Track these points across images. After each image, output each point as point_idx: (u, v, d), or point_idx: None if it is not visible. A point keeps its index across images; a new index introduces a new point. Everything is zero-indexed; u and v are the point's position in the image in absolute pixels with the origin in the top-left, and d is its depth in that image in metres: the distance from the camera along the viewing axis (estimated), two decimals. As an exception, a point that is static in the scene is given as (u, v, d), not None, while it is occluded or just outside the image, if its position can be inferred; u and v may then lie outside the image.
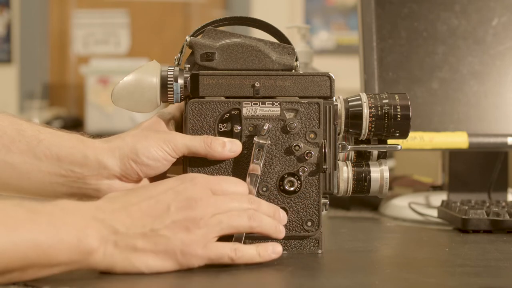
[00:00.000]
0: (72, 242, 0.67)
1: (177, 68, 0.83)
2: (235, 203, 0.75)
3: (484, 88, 1.20)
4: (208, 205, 0.73)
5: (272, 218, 0.78)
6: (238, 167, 0.82)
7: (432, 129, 1.17)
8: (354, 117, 0.84)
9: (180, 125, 0.85)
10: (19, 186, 0.81)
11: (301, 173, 0.82)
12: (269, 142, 0.82)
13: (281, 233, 0.79)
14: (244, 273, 0.74)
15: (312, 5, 3.80)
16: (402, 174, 1.57)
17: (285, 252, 0.83)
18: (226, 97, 0.82)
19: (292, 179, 0.82)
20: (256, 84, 0.82)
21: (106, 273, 0.71)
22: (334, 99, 0.83)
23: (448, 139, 1.16)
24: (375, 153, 0.86)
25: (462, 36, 1.21)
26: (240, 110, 0.82)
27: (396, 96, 0.85)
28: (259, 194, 0.81)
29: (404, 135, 0.85)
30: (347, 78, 1.96)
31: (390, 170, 0.89)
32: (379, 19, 1.20)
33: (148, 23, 3.84)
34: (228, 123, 0.82)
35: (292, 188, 0.82)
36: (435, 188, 1.34)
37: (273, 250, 0.77)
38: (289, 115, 0.82)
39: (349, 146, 0.85)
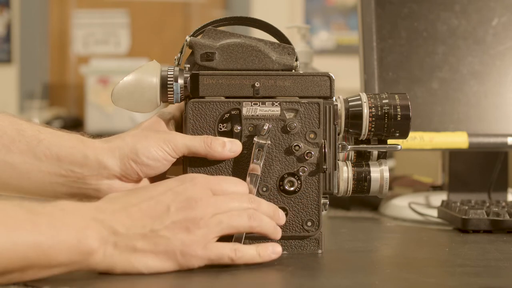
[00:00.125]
0: (72, 243, 0.67)
1: (177, 68, 0.83)
2: (235, 202, 0.75)
3: (484, 88, 1.20)
4: (208, 205, 0.73)
5: (271, 218, 0.78)
6: (238, 167, 0.82)
7: (432, 129, 1.17)
8: (354, 117, 0.84)
9: (180, 125, 0.85)
10: (19, 186, 0.81)
11: (301, 173, 0.82)
12: (269, 142, 0.82)
13: (279, 233, 0.79)
14: (244, 273, 0.74)
15: (312, 5, 3.80)
16: (402, 174, 1.57)
17: (285, 252, 0.83)
18: (226, 97, 0.82)
19: (292, 179, 0.82)
20: (256, 84, 0.82)
21: (105, 273, 0.71)
22: (334, 99, 0.83)
23: (448, 139, 1.16)
24: (375, 153, 0.86)
25: (462, 36, 1.21)
26: (240, 110, 0.82)
27: (396, 96, 0.85)
28: (259, 194, 0.81)
29: (404, 135, 0.85)
30: (347, 78, 1.96)
31: (390, 170, 0.89)
32: (379, 19, 1.20)
33: (148, 23, 3.84)
34: (228, 123, 0.82)
35: (292, 188, 0.82)
36: (435, 188, 1.34)
37: (273, 250, 0.77)
38: (289, 115, 0.82)
39: (349, 146, 0.85)
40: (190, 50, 0.84)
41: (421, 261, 0.84)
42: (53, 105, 3.71)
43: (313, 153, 0.82)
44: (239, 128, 0.82)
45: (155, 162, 0.79)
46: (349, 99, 0.85)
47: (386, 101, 0.84)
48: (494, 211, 1.01)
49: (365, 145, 0.86)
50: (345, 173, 0.84)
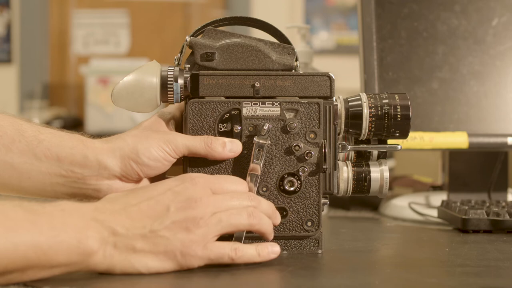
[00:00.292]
0: (72, 243, 0.67)
1: (177, 68, 0.83)
2: (234, 200, 0.75)
3: (484, 88, 1.20)
4: (208, 204, 0.73)
5: (270, 216, 0.78)
6: (238, 167, 0.82)
7: (432, 129, 1.17)
8: (354, 117, 0.84)
9: (180, 125, 0.85)
10: (19, 186, 0.81)
11: (301, 173, 0.82)
12: (269, 142, 0.82)
13: (272, 234, 0.79)
14: (244, 273, 0.74)
15: (312, 5, 3.80)
16: (402, 174, 1.57)
17: (285, 252, 0.83)
18: (226, 97, 0.82)
19: (292, 179, 0.82)
20: (256, 84, 0.82)
21: (105, 274, 0.71)
22: (334, 99, 0.83)
23: (448, 139, 1.16)
24: (375, 153, 0.86)
25: (462, 36, 1.21)
26: (240, 110, 0.82)
27: (396, 96, 0.85)
28: (259, 194, 0.81)
29: (404, 135, 0.85)
30: (347, 78, 1.96)
31: (390, 170, 0.89)
32: (379, 19, 1.20)
33: (148, 23, 3.84)
34: (228, 123, 0.82)
35: (292, 188, 0.82)
36: (435, 188, 1.34)
37: (272, 250, 0.77)
38: (289, 115, 0.82)
39: (349, 146, 0.85)
40: (190, 50, 0.84)
41: (421, 261, 0.84)
42: (53, 105, 3.71)
43: (313, 153, 0.82)
44: (239, 128, 0.82)
45: (156, 162, 0.79)
46: (349, 99, 0.85)
47: (386, 101, 0.84)
48: (494, 211, 1.01)
49: (365, 145, 0.86)
50: (345, 173, 0.84)
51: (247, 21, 0.88)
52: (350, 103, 0.84)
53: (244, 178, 0.80)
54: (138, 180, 0.81)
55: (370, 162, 0.85)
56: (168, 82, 0.82)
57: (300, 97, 0.83)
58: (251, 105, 0.82)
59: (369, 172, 0.84)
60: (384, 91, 0.95)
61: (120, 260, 0.70)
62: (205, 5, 3.86)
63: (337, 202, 1.30)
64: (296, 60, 0.85)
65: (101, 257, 0.69)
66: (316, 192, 0.83)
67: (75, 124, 3.43)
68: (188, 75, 0.83)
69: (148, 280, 0.70)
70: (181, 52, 0.84)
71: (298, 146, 0.82)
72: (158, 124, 0.84)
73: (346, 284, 0.72)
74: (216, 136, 0.82)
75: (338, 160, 0.84)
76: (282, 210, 0.82)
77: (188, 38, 0.84)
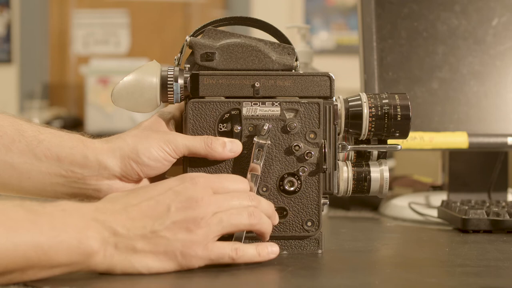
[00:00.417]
0: (73, 243, 0.67)
1: (177, 68, 0.83)
2: (235, 200, 0.75)
3: (484, 88, 1.20)
4: (209, 204, 0.73)
5: (269, 216, 0.78)
6: (238, 167, 0.82)
7: (432, 129, 1.17)
8: (354, 117, 0.84)
9: (180, 125, 0.85)
10: (19, 186, 0.81)
11: (301, 173, 0.82)
12: (269, 142, 0.82)
13: (269, 234, 0.79)
14: (244, 273, 0.74)
15: (312, 5, 3.80)
16: (402, 174, 1.57)
17: (285, 252, 0.83)
18: (226, 97, 0.82)
19: (292, 179, 0.82)
20: (256, 84, 0.82)
21: (105, 274, 0.71)
22: (334, 99, 0.84)
23: (448, 139, 1.16)
24: (375, 153, 0.86)
25: (462, 36, 1.21)
26: (240, 110, 0.82)
27: (396, 96, 0.85)
28: (259, 194, 0.81)
29: (404, 135, 0.85)
30: (347, 78, 1.96)
31: (390, 170, 0.89)
32: (379, 19, 1.20)
33: (148, 23, 3.84)
34: (228, 123, 0.82)
35: (292, 188, 0.82)
36: (435, 188, 1.34)
37: (272, 250, 0.77)
38: (289, 115, 0.82)
39: (349, 146, 0.85)
40: (190, 50, 0.84)
41: (421, 261, 0.84)
42: (53, 105, 3.71)
43: (313, 153, 0.82)
44: (239, 128, 0.82)
45: (156, 162, 0.79)
46: (349, 99, 0.85)
47: (386, 101, 0.84)
48: (494, 211, 1.01)
49: (365, 145, 0.86)
50: (345, 173, 0.84)
51: (247, 21, 0.88)
52: (350, 103, 0.84)
53: (244, 178, 0.80)
54: (138, 180, 0.81)
55: (370, 162, 0.85)
56: (168, 82, 0.82)
57: (300, 97, 0.83)
58: (251, 105, 0.82)
59: (369, 172, 0.84)
60: (384, 91, 0.95)
61: (120, 260, 0.70)
62: (205, 5, 3.86)
63: (337, 202, 1.30)
64: (296, 60, 0.85)
65: (102, 257, 0.69)
66: (316, 192, 0.83)
67: (75, 124, 3.43)
68: (188, 75, 0.83)
69: (148, 280, 0.70)
70: (181, 52, 0.84)
71: (298, 146, 0.82)
72: (158, 124, 0.84)
73: (346, 284, 0.72)
74: (216, 136, 0.82)
75: (338, 160, 0.84)
76: (282, 210, 0.82)
77: (188, 38, 0.84)
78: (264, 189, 0.82)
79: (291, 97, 0.83)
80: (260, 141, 0.81)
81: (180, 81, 0.82)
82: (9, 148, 0.79)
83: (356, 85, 1.21)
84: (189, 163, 0.82)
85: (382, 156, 0.86)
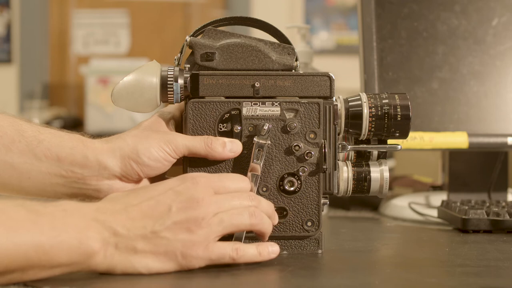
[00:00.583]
0: (73, 243, 0.67)
1: (177, 68, 0.83)
2: (235, 200, 0.75)
3: (484, 88, 1.20)
4: (210, 204, 0.73)
5: (269, 216, 0.78)
6: (238, 167, 0.82)
7: (432, 129, 1.17)
8: (354, 117, 0.84)
9: (180, 125, 0.85)
10: (20, 186, 0.81)
11: (301, 173, 0.82)
12: (269, 142, 0.82)
13: (269, 234, 0.79)
14: (244, 273, 0.74)
15: (312, 5, 3.80)
16: (402, 174, 1.57)
17: (285, 252, 0.83)
18: (226, 97, 0.82)
19: (292, 179, 0.82)
20: (256, 84, 0.82)
21: (106, 274, 0.71)
22: (334, 99, 0.84)
23: (448, 139, 1.16)
24: (375, 153, 0.86)
25: (462, 36, 1.21)
26: (240, 110, 0.82)
27: (396, 96, 0.85)
28: (259, 194, 0.81)
29: (404, 135, 0.85)
30: (347, 78, 1.96)
31: (390, 170, 0.89)
32: (379, 19, 1.20)
33: (148, 23, 3.84)
34: (228, 123, 0.82)
35: (292, 188, 0.82)
36: (435, 188, 1.34)
37: (272, 250, 0.77)
38: (289, 115, 0.82)
39: (349, 146, 0.85)
40: (190, 50, 0.84)
41: (421, 261, 0.84)
42: (53, 105, 3.71)
43: (313, 153, 0.82)
44: (239, 128, 0.82)
45: (156, 162, 0.79)
46: (349, 99, 0.85)
47: (386, 101, 0.84)
48: (494, 211, 1.02)
49: (365, 145, 0.86)
50: (345, 173, 0.84)
51: (247, 21, 0.88)
52: (350, 103, 0.84)
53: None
54: (138, 180, 0.81)
55: (370, 162, 0.85)
56: (168, 82, 0.82)
57: (300, 97, 0.83)
58: (251, 105, 0.82)
59: (369, 172, 0.84)
60: (384, 91, 0.95)
61: (120, 260, 0.70)
62: (205, 5, 3.86)
63: (337, 202, 1.30)
64: (296, 60, 0.85)
65: (102, 257, 0.69)
66: (316, 192, 0.83)
67: (75, 124, 3.43)
68: (188, 75, 0.83)
69: (148, 280, 0.70)
70: (181, 52, 0.84)
71: (298, 146, 0.82)
72: (158, 124, 0.83)
73: (346, 284, 0.72)
74: (216, 136, 0.82)
75: (338, 160, 0.84)
76: (282, 210, 0.82)
77: (188, 38, 0.84)
78: (264, 189, 0.82)
79: (291, 97, 0.83)
80: (260, 141, 0.81)
81: (180, 81, 0.82)
82: (9, 148, 0.79)
83: (356, 85, 1.21)
84: (189, 163, 0.82)
85: (382, 156, 0.86)
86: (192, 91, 0.82)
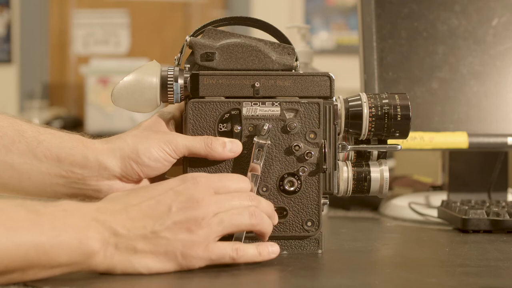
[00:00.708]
0: (73, 243, 0.67)
1: (177, 68, 0.83)
2: (235, 200, 0.75)
3: (484, 88, 1.20)
4: (210, 204, 0.73)
5: (269, 216, 0.78)
6: (238, 167, 0.82)
7: (432, 129, 1.17)
8: (354, 117, 0.84)
9: (180, 125, 0.85)
10: (20, 186, 0.81)
11: (301, 173, 0.82)
12: (269, 142, 0.82)
13: (269, 234, 0.79)
14: (244, 273, 0.74)
15: (312, 5, 3.80)
16: (402, 174, 1.57)
17: (285, 252, 0.83)
18: (226, 97, 0.82)
19: (292, 179, 0.82)
20: (256, 84, 0.82)
21: (106, 274, 0.71)
22: (334, 99, 0.84)
23: (448, 139, 1.16)
24: (375, 153, 0.86)
25: (462, 36, 1.21)
26: (240, 110, 0.82)
27: (396, 96, 0.85)
28: (259, 194, 0.81)
29: (404, 135, 0.85)
30: (347, 78, 1.96)
31: (390, 170, 0.89)
32: (379, 19, 1.20)
33: (148, 23, 3.84)
34: (228, 123, 0.82)
35: (292, 188, 0.82)
36: (435, 188, 1.34)
37: (272, 250, 0.77)
38: (289, 115, 0.82)
39: (349, 146, 0.85)
40: (190, 50, 0.84)
41: (421, 261, 0.84)
42: (53, 105, 3.71)
43: (313, 153, 0.82)
44: (239, 128, 0.82)
45: (156, 162, 0.79)
46: (349, 99, 0.85)
47: (386, 101, 0.84)
48: (494, 211, 1.02)
49: (365, 145, 0.86)
50: (345, 173, 0.84)
51: (247, 21, 0.88)
52: (350, 103, 0.84)
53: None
54: (138, 181, 0.81)
55: (370, 162, 0.85)
56: (168, 82, 0.82)
57: (300, 97, 0.83)
58: (251, 105, 0.82)
59: (369, 172, 0.84)
60: (384, 91, 0.95)
61: (120, 260, 0.70)
62: (205, 5, 3.86)
63: (337, 202, 1.30)
64: (296, 60, 0.85)
65: (102, 257, 0.69)
66: (316, 192, 0.83)
67: (75, 124, 3.43)
68: (188, 75, 0.83)
69: (148, 280, 0.70)
70: (181, 52, 0.84)
71: (298, 146, 0.82)
72: (158, 124, 0.83)
73: (346, 284, 0.72)
74: (216, 136, 0.82)
75: (338, 160, 0.84)
76: (282, 210, 0.82)
77: (188, 38, 0.84)
78: (264, 189, 0.82)
79: (291, 97, 0.83)
80: (260, 141, 0.81)
81: (180, 81, 0.82)
82: (9, 148, 0.79)
83: (356, 85, 1.21)
84: (189, 163, 0.82)
85: (382, 156, 0.86)
86: (192, 91, 0.82)
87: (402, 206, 1.19)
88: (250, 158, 0.81)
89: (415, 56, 1.20)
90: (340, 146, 0.84)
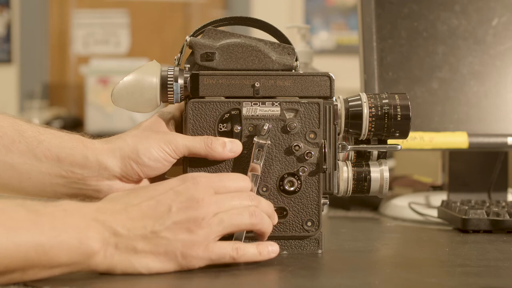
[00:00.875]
0: (73, 243, 0.67)
1: (177, 68, 0.83)
2: (235, 200, 0.75)
3: (484, 88, 1.20)
4: (210, 204, 0.73)
5: (269, 216, 0.78)
6: (238, 167, 0.82)
7: (432, 129, 1.17)
8: (354, 117, 0.84)
9: (180, 125, 0.85)
10: (20, 187, 0.81)
11: (301, 173, 0.82)
12: (269, 142, 0.82)
13: (269, 234, 0.79)
14: (244, 273, 0.74)
15: (312, 5, 3.80)
16: (402, 174, 1.57)
17: (285, 252, 0.83)
18: (226, 97, 0.82)
19: (292, 179, 0.82)
20: (256, 84, 0.82)
21: (106, 274, 0.71)
22: (334, 99, 0.84)
23: (448, 139, 1.16)
24: (375, 153, 0.86)
25: (462, 36, 1.21)
26: (240, 110, 0.82)
27: (396, 96, 0.85)
28: (259, 194, 0.81)
29: (404, 135, 0.85)
30: (347, 78, 1.96)
31: (390, 170, 0.89)
32: (379, 19, 1.20)
33: (148, 23, 3.84)
34: (228, 123, 0.82)
35: (292, 188, 0.82)
36: (435, 188, 1.34)
37: (272, 249, 0.77)
38: (289, 115, 0.82)
39: (349, 146, 0.85)
40: (190, 50, 0.84)
41: (421, 261, 0.84)
42: (53, 105, 3.71)
43: (313, 153, 0.82)
44: (239, 128, 0.82)
45: (156, 163, 0.79)
46: (349, 99, 0.85)
47: (386, 101, 0.84)
48: (494, 211, 1.02)
49: (365, 145, 0.86)
50: (345, 173, 0.84)
51: (247, 21, 0.88)
52: (350, 103, 0.84)
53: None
54: (138, 181, 0.81)
55: (370, 162, 0.85)
56: (168, 82, 0.82)
57: (300, 97, 0.83)
58: (251, 105, 0.82)
59: (369, 172, 0.84)
60: (384, 91, 0.95)
61: (120, 260, 0.70)
62: (205, 5, 3.86)
63: (337, 202, 1.30)
64: (296, 60, 0.85)
65: (102, 257, 0.69)
66: (316, 192, 0.83)
67: (75, 124, 3.43)
68: (188, 75, 0.83)
69: (148, 280, 0.70)
70: (181, 52, 0.84)
71: (298, 146, 0.82)
72: (158, 124, 0.84)
73: (346, 284, 0.72)
74: (216, 136, 0.82)
75: (338, 160, 0.84)
76: (282, 210, 0.82)
77: (188, 38, 0.84)
78: (264, 189, 0.82)
79: (291, 97, 0.83)
80: (260, 141, 0.81)
81: (180, 81, 0.82)
82: (9, 148, 0.79)
83: (356, 85, 1.21)
84: (189, 163, 0.82)
85: (382, 156, 0.86)
86: (192, 91, 0.82)
87: (402, 206, 1.19)
88: (250, 158, 0.81)
89: (415, 56, 1.20)
90: (340, 146, 0.84)
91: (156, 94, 0.82)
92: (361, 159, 0.86)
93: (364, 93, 0.85)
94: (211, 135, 0.82)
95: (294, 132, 0.82)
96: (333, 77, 0.83)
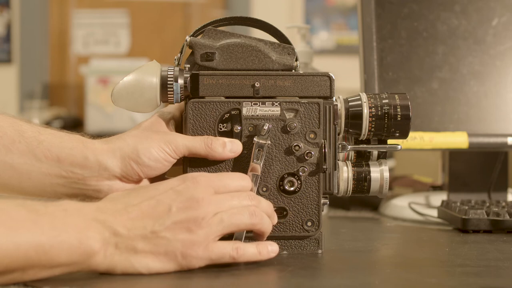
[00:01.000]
0: (73, 243, 0.67)
1: (177, 68, 0.83)
2: (235, 200, 0.75)
3: (484, 88, 1.20)
4: (210, 204, 0.73)
5: (269, 216, 0.78)
6: (238, 167, 0.82)
7: (432, 129, 1.17)
8: (354, 117, 0.84)
9: (180, 125, 0.85)
10: (20, 187, 0.81)
11: (301, 173, 0.82)
12: (269, 142, 0.82)
13: (268, 234, 0.79)
14: (244, 273, 0.74)
15: (312, 5, 3.80)
16: (402, 174, 1.57)
17: (285, 252, 0.83)
18: (226, 97, 0.82)
19: (292, 179, 0.82)
20: (256, 84, 0.82)
21: (106, 274, 0.71)
22: (334, 99, 0.84)
23: (448, 139, 1.16)
24: (375, 153, 0.86)
25: (462, 36, 1.21)
26: (240, 110, 0.82)
27: (396, 96, 0.85)
28: (259, 194, 0.81)
29: (404, 135, 0.85)
30: (347, 78, 1.96)
31: (390, 170, 0.89)
32: (379, 19, 1.20)
33: (148, 23, 3.84)
34: (228, 123, 0.82)
35: (292, 188, 0.82)
36: (435, 188, 1.34)
37: (272, 249, 0.77)
38: (289, 115, 0.82)
39: (349, 146, 0.85)
40: (190, 50, 0.84)
41: (421, 261, 0.84)
42: (53, 105, 3.71)
43: (313, 153, 0.82)
44: (239, 128, 0.82)
45: (156, 163, 0.79)
46: (349, 99, 0.85)
47: (386, 101, 0.84)
48: (494, 211, 1.02)
49: (365, 145, 0.86)
50: (345, 173, 0.84)
51: (247, 21, 0.88)
52: (350, 103, 0.84)
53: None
54: (138, 181, 0.81)
55: (370, 162, 0.85)
56: (168, 82, 0.82)
57: (300, 97, 0.83)
58: (251, 105, 0.82)
59: (369, 172, 0.84)
60: (384, 91, 0.96)
61: (120, 260, 0.70)
62: (205, 5, 3.86)
63: (337, 202, 1.30)
64: (296, 60, 0.85)
65: (102, 257, 0.69)
66: (316, 192, 0.83)
67: (75, 124, 3.43)
68: (188, 75, 0.83)
69: (148, 280, 0.70)
70: (181, 52, 0.84)
71: (298, 146, 0.82)
72: (158, 124, 0.84)
73: (346, 284, 0.72)
74: (216, 136, 0.82)
75: (338, 160, 0.84)
76: (282, 210, 0.82)
77: (188, 38, 0.84)
78: (264, 189, 0.82)
79: (291, 97, 0.83)
80: (260, 141, 0.81)
81: (180, 81, 0.82)
82: (9, 148, 0.79)
83: (356, 85, 1.21)
84: (189, 163, 0.82)
85: (382, 156, 0.86)
86: (192, 91, 0.82)
87: (402, 206, 1.19)
88: (250, 158, 0.81)
89: (415, 56, 1.20)
90: (340, 146, 0.84)
91: (156, 94, 0.82)
92: (361, 159, 0.86)
93: (364, 93, 0.85)
94: (211, 135, 0.82)
95: (294, 132, 0.82)
96: (333, 77, 0.83)
